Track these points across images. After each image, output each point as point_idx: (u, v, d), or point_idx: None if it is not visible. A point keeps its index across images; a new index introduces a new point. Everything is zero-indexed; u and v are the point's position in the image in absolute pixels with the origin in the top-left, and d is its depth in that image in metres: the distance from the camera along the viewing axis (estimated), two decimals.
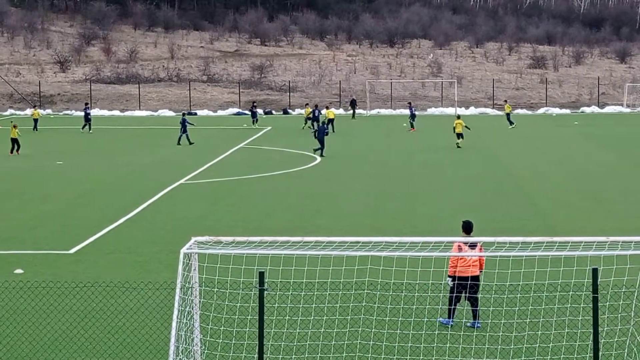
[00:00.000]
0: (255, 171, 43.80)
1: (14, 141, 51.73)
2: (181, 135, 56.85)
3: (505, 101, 76.71)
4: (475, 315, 17.88)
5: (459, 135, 53.43)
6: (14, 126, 52.39)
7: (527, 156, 49.75)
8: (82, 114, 69.53)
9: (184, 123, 57.15)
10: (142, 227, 29.79)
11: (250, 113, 72.99)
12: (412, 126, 66.06)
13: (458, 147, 52.86)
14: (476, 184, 39.09)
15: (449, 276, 17.98)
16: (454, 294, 17.68)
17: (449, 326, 17.63)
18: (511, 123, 68.70)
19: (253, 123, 70.36)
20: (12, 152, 51.43)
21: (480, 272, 18.02)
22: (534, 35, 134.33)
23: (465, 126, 54.17)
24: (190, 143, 56.30)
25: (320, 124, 53.58)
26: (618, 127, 68.51)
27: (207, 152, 52.04)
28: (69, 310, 18.76)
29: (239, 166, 46.04)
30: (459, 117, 56.77)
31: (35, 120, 67.53)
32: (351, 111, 79.62)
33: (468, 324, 17.86)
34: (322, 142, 50.23)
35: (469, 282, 17.55)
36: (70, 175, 42.91)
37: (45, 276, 21.95)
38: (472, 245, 17.42)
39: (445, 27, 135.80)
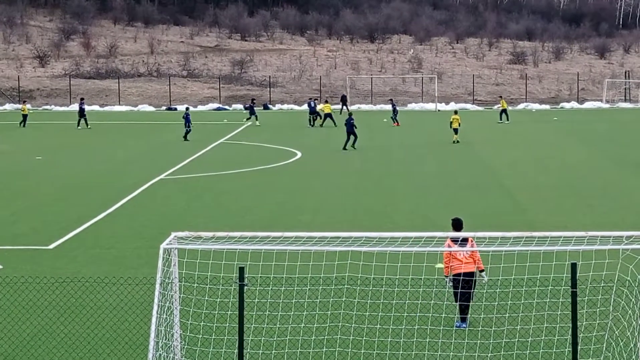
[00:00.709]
0: (236, 167, 43.76)
1: None
2: (188, 131, 56.17)
3: (500, 97, 76.60)
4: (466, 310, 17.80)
5: (456, 131, 53.52)
6: None
7: (507, 152, 49.89)
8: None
9: (187, 118, 56.72)
10: (122, 223, 29.72)
11: (249, 109, 71.36)
12: (395, 121, 66.36)
13: (455, 142, 52.94)
14: (456, 180, 39.17)
15: (445, 276, 17.97)
16: (457, 292, 17.66)
17: (464, 328, 17.60)
18: (507, 118, 69.06)
19: (255, 119, 68.85)
20: None
21: (482, 271, 17.89)
22: (514, 31, 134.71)
23: (459, 122, 54.27)
24: (185, 139, 55.80)
25: (348, 116, 53.33)
26: (597, 123, 68.78)
27: (187, 148, 51.96)
28: (49, 306, 18.71)
29: (219, 162, 45.99)
30: (456, 112, 56.78)
31: (25, 116, 67.06)
32: (340, 106, 79.63)
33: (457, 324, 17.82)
34: (351, 134, 50.60)
35: (464, 278, 17.49)
36: (50, 171, 42.76)
37: (25, 271, 21.87)
38: (458, 241, 17.39)
39: (426, 22, 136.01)
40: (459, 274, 17.58)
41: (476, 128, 63.76)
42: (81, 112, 65.88)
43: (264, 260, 17.33)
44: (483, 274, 17.94)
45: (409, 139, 56.43)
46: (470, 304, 17.81)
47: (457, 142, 53.15)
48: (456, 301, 17.96)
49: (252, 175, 41.09)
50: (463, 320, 17.71)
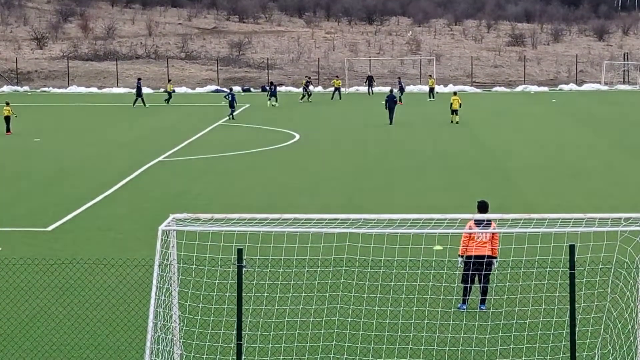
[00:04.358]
0: (234, 149, 43.74)
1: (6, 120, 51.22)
2: (232, 111, 58.22)
3: (430, 76, 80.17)
4: (484, 293, 17.86)
5: (455, 112, 53.90)
6: (7, 104, 52.13)
7: (505, 134, 49.86)
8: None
9: (232, 98, 58.41)
10: (121, 205, 29.73)
11: (270, 91, 70.66)
12: (400, 100, 66.55)
13: (452, 122, 53.33)
14: (454, 162, 39.17)
15: (460, 256, 18.02)
16: (466, 273, 17.74)
17: (463, 310, 17.67)
18: (433, 96, 72.95)
19: (272, 99, 68.54)
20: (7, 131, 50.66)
21: (495, 258, 17.95)
22: (512, 13, 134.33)
23: (459, 103, 54.58)
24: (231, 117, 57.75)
25: (389, 93, 56.58)
26: (596, 105, 68.71)
27: (186, 130, 51.91)
28: (47, 287, 18.74)
29: (217, 144, 45.96)
30: (455, 93, 57.14)
31: (169, 94, 70.77)
32: (367, 88, 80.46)
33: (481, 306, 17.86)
34: (391, 111, 53.96)
35: (476, 260, 17.52)
36: (48, 153, 42.73)
37: (23, 253, 21.88)
38: (480, 223, 17.46)
39: (424, 4, 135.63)
40: (471, 256, 17.62)
41: (475, 110, 63.69)
42: (138, 92, 67.71)
43: (262, 242, 17.34)
44: (494, 260, 17.93)
45: (408, 120, 56.35)
46: (488, 285, 17.90)
47: (457, 123, 53.32)
48: (463, 282, 17.99)
49: (251, 158, 41.07)
50: (482, 302, 17.80)
